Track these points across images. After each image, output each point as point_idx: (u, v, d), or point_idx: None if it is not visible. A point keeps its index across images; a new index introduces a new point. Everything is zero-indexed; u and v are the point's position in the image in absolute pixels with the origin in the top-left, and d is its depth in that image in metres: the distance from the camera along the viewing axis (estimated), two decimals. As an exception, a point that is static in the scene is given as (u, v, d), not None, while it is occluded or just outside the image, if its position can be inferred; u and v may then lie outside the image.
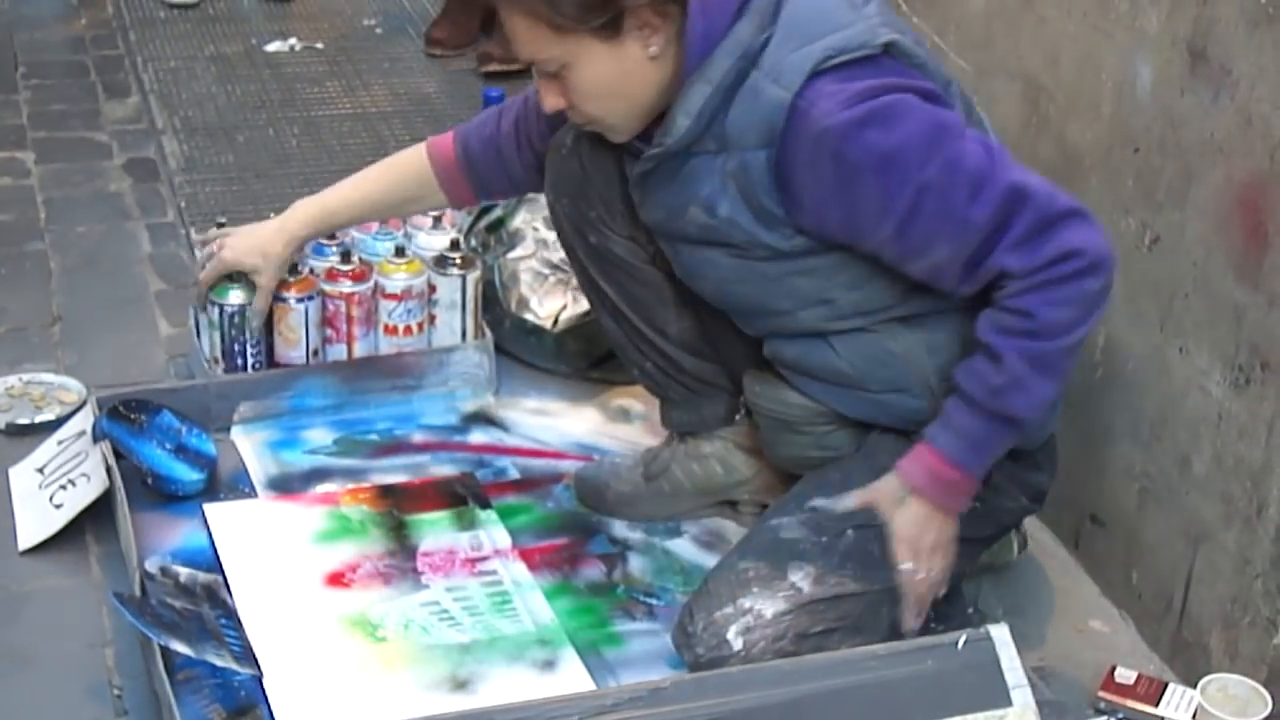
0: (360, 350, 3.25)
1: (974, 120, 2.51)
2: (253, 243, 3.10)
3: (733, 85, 2.38)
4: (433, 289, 3.28)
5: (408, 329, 3.27)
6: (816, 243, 2.46)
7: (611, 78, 2.43)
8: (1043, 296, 2.36)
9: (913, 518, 2.51)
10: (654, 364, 2.86)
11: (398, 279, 3.25)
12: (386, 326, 3.26)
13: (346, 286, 3.20)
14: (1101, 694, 2.58)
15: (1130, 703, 2.56)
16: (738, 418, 2.88)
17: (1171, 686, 2.59)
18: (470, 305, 3.29)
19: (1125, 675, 2.61)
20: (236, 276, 3.16)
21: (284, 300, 3.18)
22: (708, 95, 2.39)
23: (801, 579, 2.49)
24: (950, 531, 2.54)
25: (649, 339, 2.83)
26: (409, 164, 2.98)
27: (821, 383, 2.56)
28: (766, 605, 2.47)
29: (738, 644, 2.45)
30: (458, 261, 3.29)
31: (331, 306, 3.21)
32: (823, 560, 2.50)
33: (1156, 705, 2.55)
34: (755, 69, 2.37)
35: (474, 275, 3.29)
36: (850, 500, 2.55)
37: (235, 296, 3.15)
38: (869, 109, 2.32)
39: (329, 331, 3.22)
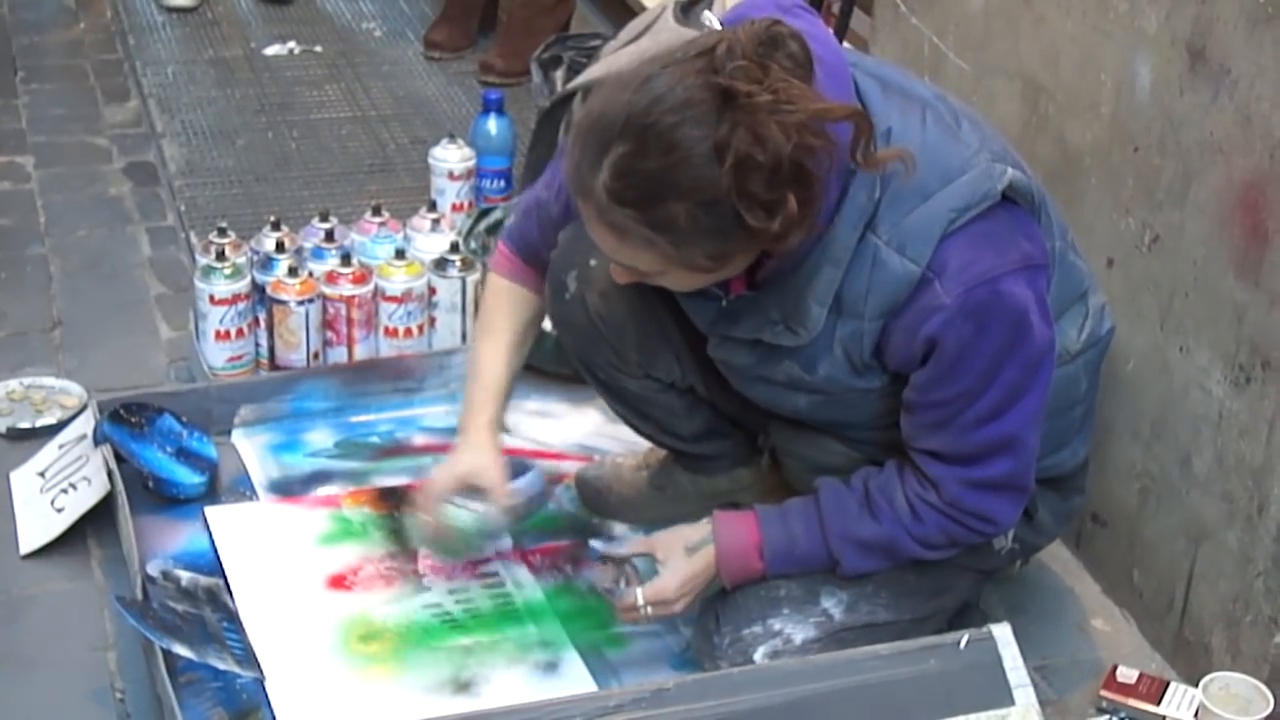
0: (361, 353, 3.25)
1: (1048, 211, 2.41)
2: (468, 468, 2.68)
3: (855, 255, 2.26)
4: (433, 291, 3.28)
5: (408, 331, 3.27)
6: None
7: (715, 279, 2.30)
8: (943, 523, 2.40)
9: (693, 570, 2.50)
10: (665, 446, 2.86)
11: (398, 281, 3.26)
12: (387, 329, 3.27)
13: (347, 289, 3.20)
14: (1103, 693, 2.58)
15: (1132, 702, 2.56)
16: (762, 461, 2.83)
17: (1173, 685, 2.59)
18: (470, 307, 3.29)
19: (1127, 674, 2.61)
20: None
21: (284, 303, 3.18)
22: (837, 279, 2.26)
23: (834, 606, 2.48)
24: (701, 596, 2.54)
25: (661, 441, 2.84)
26: (503, 298, 2.73)
27: (870, 446, 2.51)
28: (797, 631, 2.47)
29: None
30: (457, 264, 3.30)
31: (332, 309, 3.21)
32: (857, 588, 2.49)
33: (1158, 704, 2.55)
34: (872, 233, 2.24)
35: (473, 277, 3.30)
36: (633, 543, 2.59)
37: None
38: (977, 302, 2.22)
39: (329, 334, 3.22)
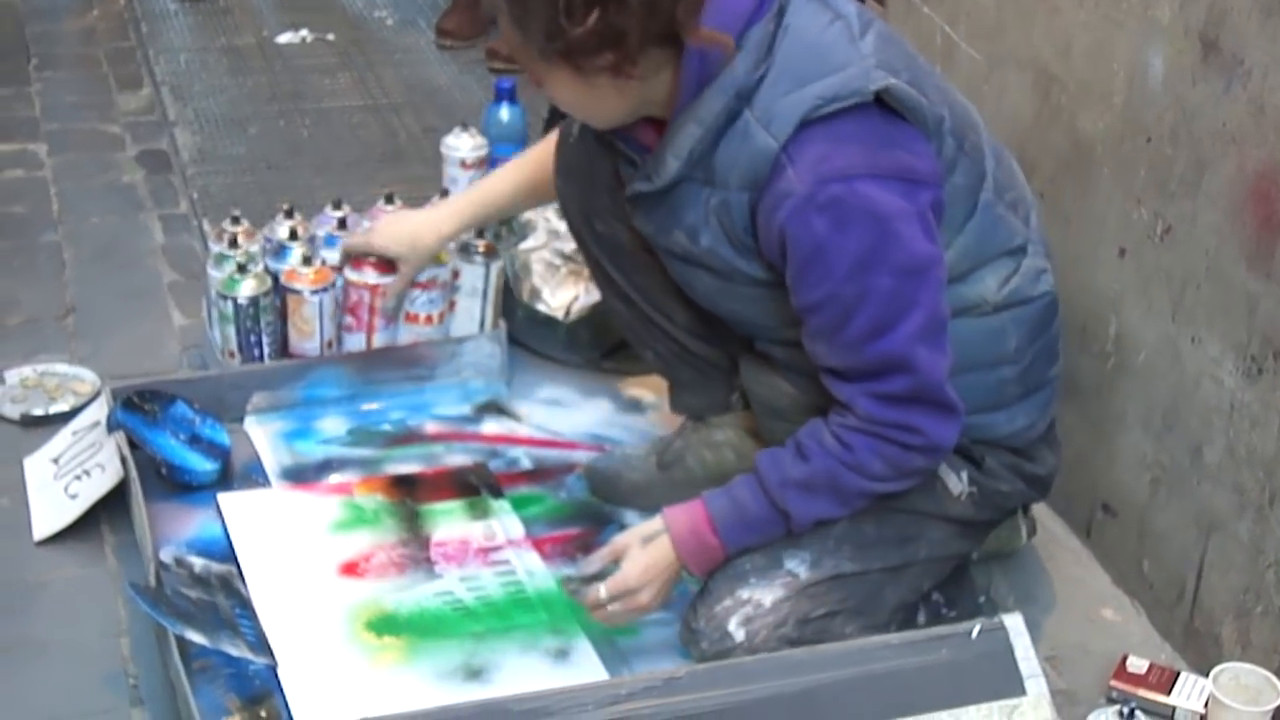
0: (379, 341, 3.24)
1: (966, 151, 2.45)
2: (403, 230, 3.14)
3: (724, 123, 2.35)
4: (456, 275, 3.27)
5: (429, 318, 3.26)
6: None
7: (579, 100, 2.40)
8: (870, 443, 2.40)
9: (651, 559, 2.53)
10: (663, 346, 2.87)
11: (427, 268, 3.24)
12: (408, 314, 3.25)
13: (372, 277, 3.18)
14: (1114, 683, 2.59)
15: (1142, 692, 2.56)
16: (734, 399, 2.89)
17: (1183, 675, 2.59)
18: (492, 294, 3.28)
19: (1137, 664, 2.61)
20: (248, 267, 3.16)
21: (298, 292, 3.18)
22: (698, 137, 2.36)
23: (797, 565, 2.51)
24: (669, 586, 2.57)
25: (656, 324, 2.84)
26: (543, 150, 2.94)
27: (809, 379, 2.54)
28: (765, 594, 2.49)
29: (740, 634, 2.47)
30: (481, 249, 3.29)
31: (355, 295, 3.20)
32: (817, 545, 2.52)
33: (1168, 694, 2.56)
34: (748, 108, 2.33)
35: (498, 264, 3.28)
36: (599, 555, 2.60)
37: (247, 288, 3.15)
38: (830, 196, 2.28)
39: (349, 319, 3.21)
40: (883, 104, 2.32)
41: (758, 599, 2.49)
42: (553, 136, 2.89)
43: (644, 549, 2.53)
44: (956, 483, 2.57)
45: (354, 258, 3.17)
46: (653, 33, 2.27)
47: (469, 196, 3.14)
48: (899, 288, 2.32)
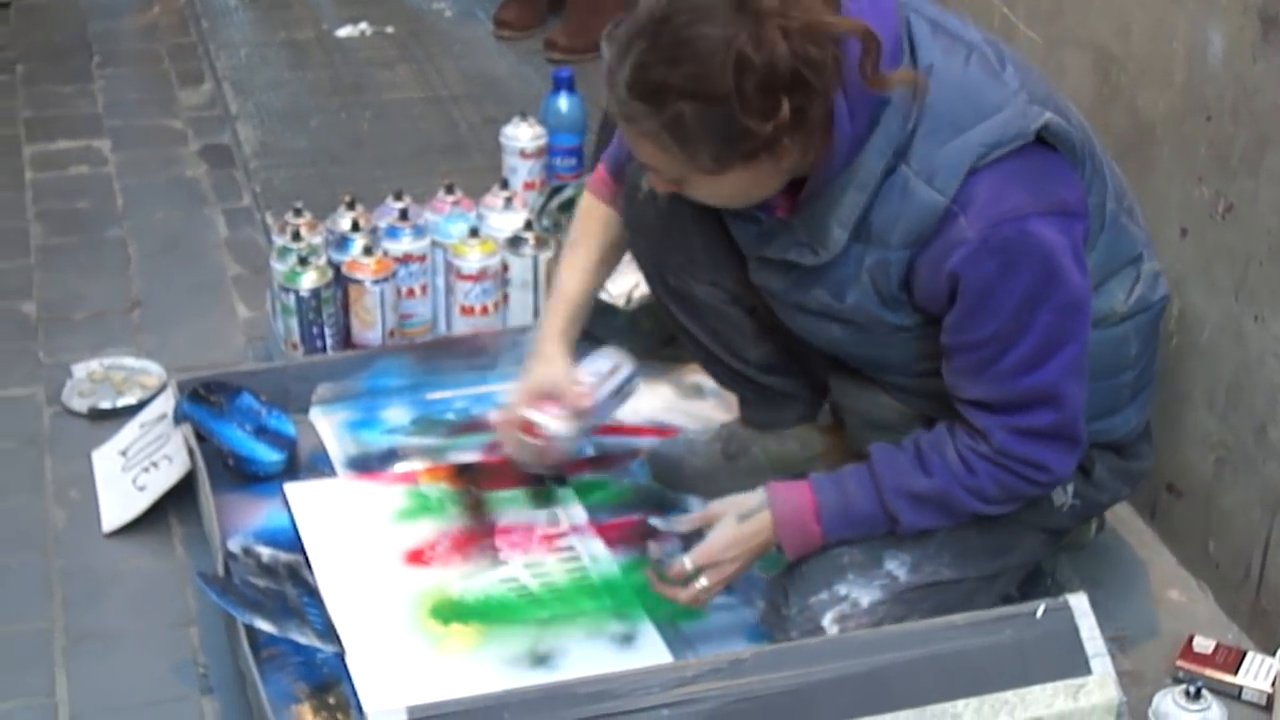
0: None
1: (1097, 168, 2.41)
2: (536, 388, 2.77)
3: (881, 181, 2.29)
4: (506, 268, 3.30)
5: (484, 309, 3.29)
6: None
7: (736, 191, 2.34)
8: (996, 473, 2.39)
9: (744, 533, 2.51)
10: (732, 380, 2.88)
11: (473, 260, 3.27)
12: (463, 307, 3.28)
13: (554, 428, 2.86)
14: (1180, 663, 2.58)
15: (1209, 671, 2.55)
16: (803, 416, 2.89)
17: (1250, 655, 2.58)
18: (543, 285, 3.30)
19: (1203, 644, 2.60)
20: (309, 260, 3.19)
21: (360, 282, 3.20)
22: (862, 204, 2.30)
23: (897, 567, 2.50)
24: (750, 564, 2.55)
25: (729, 365, 2.84)
26: (591, 217, 2.81)
27: (922, 398, 2.53)
28: (863, 594, 2.48)
29: (833, 631, 2.46)
30: (531, 241, 3.31)
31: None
32: (919, 549, 2.50)
33: (1235, 674, 2.55)
34: (904, 163, 2.27)
35: (546, 255, 3.31)
36: (691, 519, 2.58)
37: (309, 280, 3.17)
38: (1002, 239, 2.24)
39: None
40: (1039, 139, 2.29)
41: (855, 598, 2.48)
42: (586, 200, 2.81)
43: (739, 521, 2.51)
44: (1061, 495, 2.56)
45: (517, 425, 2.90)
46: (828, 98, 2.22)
47: (554, 323, 2.79)
48: (1059, 323, 2.30)
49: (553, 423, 2.74)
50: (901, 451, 2.45)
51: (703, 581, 2.53)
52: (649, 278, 2.82)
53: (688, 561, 2.52)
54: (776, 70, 2.14)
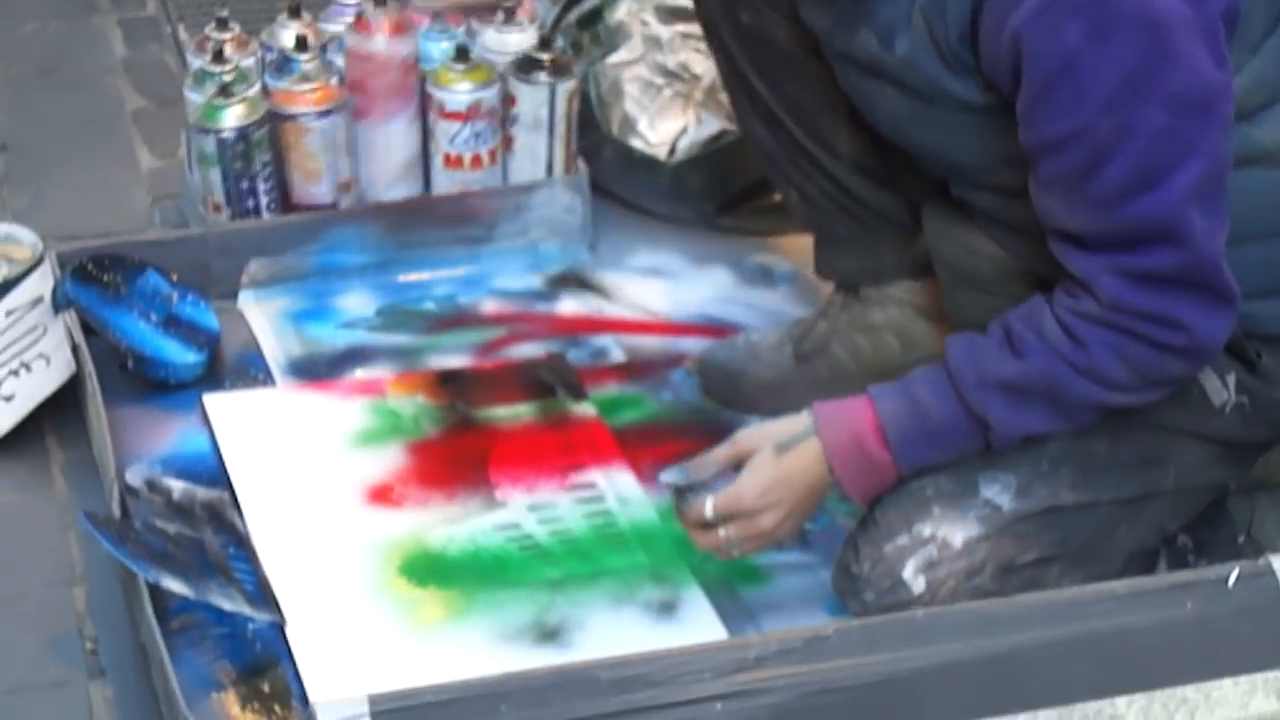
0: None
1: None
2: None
3: None
4: (511, 101, 3.27)
5: (475, 159, 3.27)
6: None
7: None
8: (1112, 338, 2.36)
9: (785, 471, 2.49)
10: (815, 186, 2.88)
11: (460, 92, 3.24)
12: (447, 156, 3.26)
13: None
14: None
15: None
16: (906, 263, 2.89)
17: None
18: (561, 126, 3.28)
19: None
20: (235, 89, 3.16)
21: (295, 118, 3.17)
22: None
23: (998, 493, 2.50)
24: (805, 511, 2.53)
25: (812, 155, 2.84)
26: None
27: (1026, 238, 2.53)
28: (954, 531, 2.48)
29: (918, 585, 2.47)
30: (547, 64, 3.27)
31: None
32: (1027, 467, 2.51)
33: None
34: None
35: (567, 85, 3.28)
36: (716, 457, 2.53)
37: (234, 117, 3.14)
38: None
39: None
40: None
41: (944, 537, 2.48)
42: None
43: (777, 457, 2.50)
44: (1220, 389, 2.54)
45: None
46: None
47: None
48: (1175, 126, 2.27)
49: None
50: (986, 338, 2.44)
51: (730, 531, 2.52)
52: (713, 19, 2.85)
53: (708, 507, 2.50)
54: None
